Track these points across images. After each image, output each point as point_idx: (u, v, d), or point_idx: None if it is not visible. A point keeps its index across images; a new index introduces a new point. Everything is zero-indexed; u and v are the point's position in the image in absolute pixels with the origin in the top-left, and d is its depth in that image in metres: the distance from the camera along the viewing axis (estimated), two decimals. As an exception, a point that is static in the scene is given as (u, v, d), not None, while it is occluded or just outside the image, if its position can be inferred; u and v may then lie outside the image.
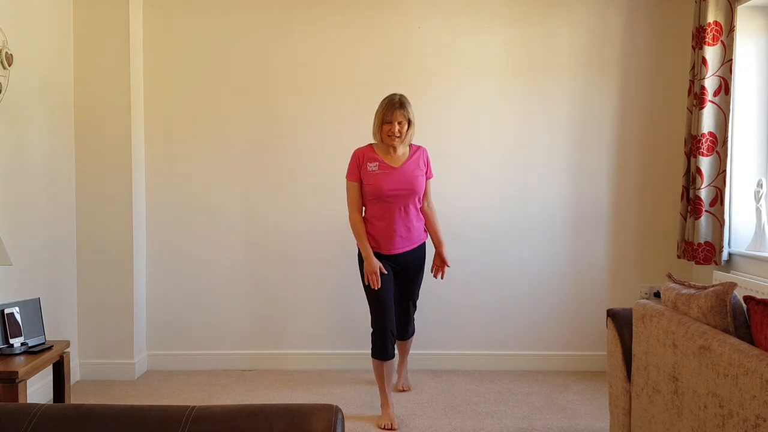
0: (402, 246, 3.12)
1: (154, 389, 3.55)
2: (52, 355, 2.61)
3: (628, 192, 3.92)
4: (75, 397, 3.37)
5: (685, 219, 3.61)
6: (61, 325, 3.50)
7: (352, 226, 3.12)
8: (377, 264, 3.04)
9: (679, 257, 3.71)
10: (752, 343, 1.70)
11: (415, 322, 3.41)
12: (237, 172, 3.89)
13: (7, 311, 2.55)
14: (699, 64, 3.45)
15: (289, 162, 3.88)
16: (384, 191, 3.02)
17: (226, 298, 3.91)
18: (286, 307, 3.93)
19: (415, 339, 3.50)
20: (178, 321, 3.92)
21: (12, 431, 1.17)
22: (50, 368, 2.75)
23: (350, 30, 3.84)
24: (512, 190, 3.90)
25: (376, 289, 3.04)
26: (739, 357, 1.58)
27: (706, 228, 3.43)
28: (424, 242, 3.24)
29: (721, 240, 3.39)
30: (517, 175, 3.90)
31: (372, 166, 3.04)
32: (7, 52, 2.92)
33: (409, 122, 3.03)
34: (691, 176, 3.55)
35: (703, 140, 3.42)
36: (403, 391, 3.50)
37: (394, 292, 3.18)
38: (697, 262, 3.48)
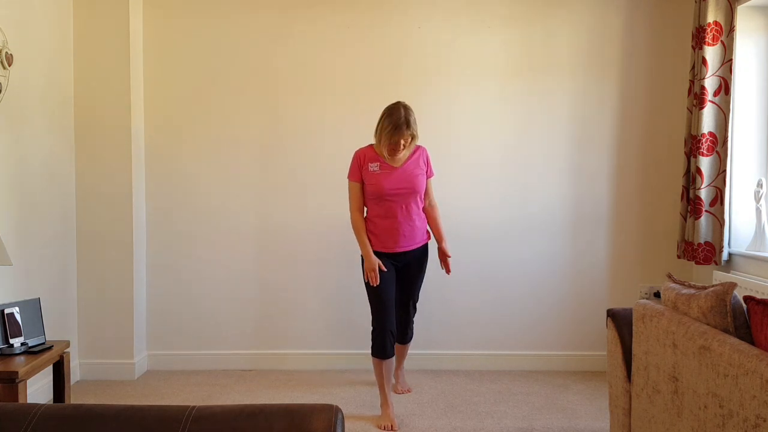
0: (404, 245, 3.14)
1: (154, 389, 3.55)
2: (52, 355, 2.60)
3: (628, 192, 3.92)
4: (75, 397, 3.37)
5: (685, 219, 3.61)
6: (61, 325, 3.50)
7: (353, 225, 3.14)
8: (376, 261, 3.07)
9: (679, 257, 3.71)
10: (752, 343, 1.70)
11: (414, 326, 3.42)
12: (237, 172, 3.89)
13: (7, 311, 2.55)
14: (699, 64, 3.45)
15: (289, 162, 3.89)
16: (385, 191, 3.04)
17: (226, 298, 3.91)
18: (286, 307, 3.93)
19: (415, 339, 3.50)
20: (178, 321, 3.92)
21: (12, 431, 1.17)
22: (50, 368, 2.75)
23: (350, 30, 3.84)
24: (512, 190, 3.90)
25: (376, 286, 3.06)
26: (739, 357, 1.58)
27: (706, 228, 3.43)
28: (427, 243, 3.26)
29: (721, 240, 3.40)
30: (517, 175, 3.90)
31: (373, 166, 3.05)
32: (7, 52, 2.92)
33: (413, 137, 3.00)
34: (691, 176, 3.55)
35: (703, 140, 3.42)
36: (404, 393, 3.50)
37: (396, 292, 3.20)
38: (697, 262, 3.48)
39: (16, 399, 2.30)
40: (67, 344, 2.74)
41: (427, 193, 3.21)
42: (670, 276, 2.30)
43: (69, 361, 2.75)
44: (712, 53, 3.39)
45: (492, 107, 3.88)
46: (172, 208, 3.89)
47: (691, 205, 3.55)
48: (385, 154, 3.02)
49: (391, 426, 2.99)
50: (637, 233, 3.93)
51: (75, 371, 3.65)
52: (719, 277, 3.42)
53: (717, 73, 3.39)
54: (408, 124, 2.93)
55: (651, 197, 3.92)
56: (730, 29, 3.35)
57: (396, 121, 2.92)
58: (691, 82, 3.59)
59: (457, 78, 3.86)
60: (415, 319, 3.41)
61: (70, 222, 3.62)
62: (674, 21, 3.84)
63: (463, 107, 3.87)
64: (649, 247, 3.93)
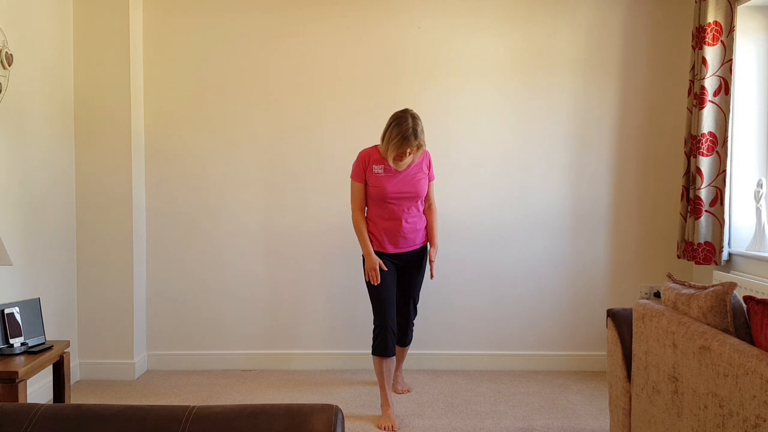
0: (404, 246, 3.16)
1: (154, 389, 3.55)
2: (52, 355, 2.60)
3: (628, 192, 3.92)
4: (75, 397, 3.37)
5: (685, 219, 3.61)
6: (61, 325, 3.50)
7: (354, 225, 3.16)
8: (377, 260, 3.09)
9: (679, 257, 3.71)
10: (752, 343, 1.70)
11: (414, 329, 3.42)
12: (237, 172, 3.89)
13: (7, 311, 2.55)
14: (699, 64, 3.45)
15: (289, 161, 3.88)
16: (388, 194, 3.05)
17: (226, 299, 3.91)
18: (286, 308, 3.93)
19: (415, 338, 3.50)
20: (178, 321, 3.92)
21: (12, 431, 1.17)
22: (50, 368, 2.75)
23: (350, 29, 3.84)
24: (512, 189, 3.90)
25: (377, 285, 3.08)
26: (739, 357, 1.58)
27: (706, 228, 3.43)
28: (426, 244, 3.27)
29: (721, 240, 3.39)
30: (517, 175, 3.90)
31: (377, 169, 3.06)
32: (7, 52, 2.92)
33: (419, 146, 2.98)
34: (691, 176, 3.55)
35: (703, 140, 3.42)
36: (404, 393, 3.50)
37: (397, 292, 3.21)
38: (697, 262, 3.48)
39: (16, 399, 2.30)
40: (67, 344, 2.74)
41: (428, 196, 3.22)
42: (670, 276, 2.30)
43: (69, 361, 2.75)
44: (712, 53, 3.39)
45: (492, 107, 3.88)
46: (172, 208, 3.89)
47: (691, 205, 3.55)
48: (390, 161, 3.01)
49: (392, 426, 2.99)
50: (637, 233, 3.93)
51: (75, 371, 3.65)
52: (719, 277, 3.42)
53: (717, 73, 3.39)
54: (416, 134, 2.92)
55: (651, 197, 3.92)
56: (730, 29, 3.35)
57: (404, 132, 2.90)
58: (691, 82, 3.59)
59: (456, 78, 3.86)
60: (415, 320, 3.41)
61: (70, 222, 3.62)
62: (674, 21, 3.84)
63: (463, 107, 3.87)
64: (649, 247, 3.93)
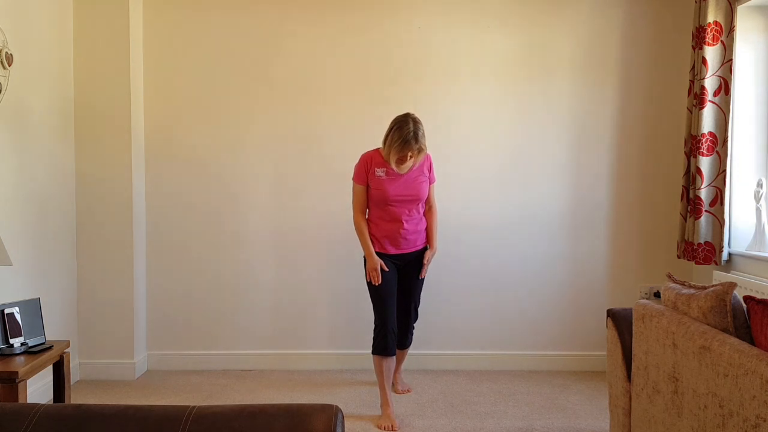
0: (405, 247, 3.19)
1: (154, 389, 3.55)
2: (52, 355, 2.60)
3: (628, 192, 3.92)
4: (75, 397, 3.37)
5: (685, 219, 3.61)
6: (61, 325, 3.50)
7: (355, 226, 3.18)
8: (378, 261, 3.12)
9: (679, 257, 3.71)
10: (752, 343, 1.70)
11: (414, 332, 3.43)
12: (237, 172, 3.88)
13: (7, 311, 2.55)
14: (699, 64, 3.45)
15: (289, 161, 3.88)
16: (390, 196, 3.08)
17: (226, 299, 3.91)
18: (286, 308, 3.93)
19: (415, 338, 3.50)
20: (178, 321, 3.92)
21: (12, 431, 1.17)
22: (50, 368, 2.75)
23: (350, 30, 3.84)
24: (512, 189, 3.90)
25: (378, 285, 3.11)
26: (739, 357, 1.58)
27: (706, 228, 3.43)
28: (427, 246, 3.29)
29: (721, 240, 3.39)
30: (518, 175, 3.90)
31: (380, 172, 3.09)
32: (7, 52, 2.92)
33: (420, 150, 3.00)
34: (691, 176, 3.55)
35: (703, 140, 3.42)
36: (404, 393, 3.50)
37: (398, 294, 3.23)
38: (697, 262, 3.48)
39: (16, 399, 2.30)
40: (67, 344, 2.74)
41: (428, 197, 3.24)
42: (670, 276, 2.30)
43: (69, 361, 2.75)
44: (712, 53, 3.39)
45: (492, 107, 3.88)
46: (172, 208, 3.89)
47: (691, 205, 3.55)
48: (393, 165, 3.04)
49: (392, 426, 3.00)
50: (637, 233, 3.93)
51: (75, 371, 3.65)
52: (719, 277, 3.42)
53: (717, 73, 3.39)
54: (416, 138, 2.95)
55: (651, 197, 3.92)
56: (730, 29, 3.35)
57: (405, 136, 2.94)
58: (691, 82, 3.59)
59: (457, 78, 3.86)
60: (415, 323, 3.42)
61: (70, 222, 3.62)
62: (674, 21, 3.84)
63: (463, 108, 3.87)
64: (649, 247, 3.93)
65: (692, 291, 2.01)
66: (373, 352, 3.14)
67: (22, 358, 2.48)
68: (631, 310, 2.40)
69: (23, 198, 3.14)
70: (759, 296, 2.66)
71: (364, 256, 3.17)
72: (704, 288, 1.96)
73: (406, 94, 3.83)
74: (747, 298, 1.77)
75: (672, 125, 3.87)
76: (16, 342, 2.56)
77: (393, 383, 3.48)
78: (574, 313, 3.94)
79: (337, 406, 1.23)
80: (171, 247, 3.90)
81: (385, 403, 3.12)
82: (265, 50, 3.85)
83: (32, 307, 2.69)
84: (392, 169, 3.08)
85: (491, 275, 3.92)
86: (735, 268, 3.42)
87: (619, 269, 3.94)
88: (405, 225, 3.13)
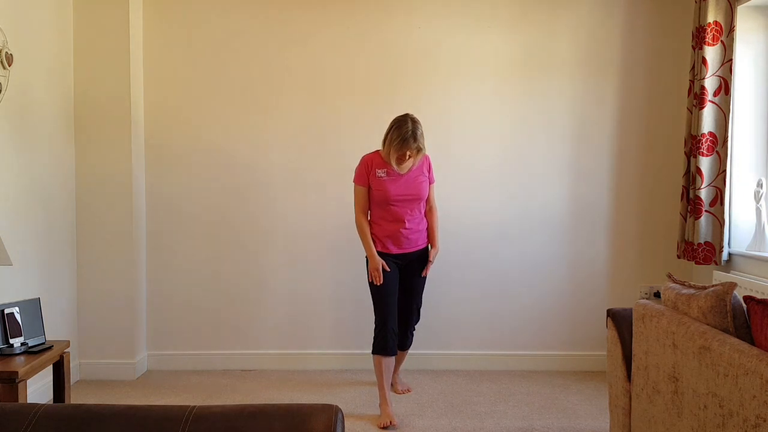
0: (407, 247, 3.22)
1: (154, 389, 3.55)
2: (52, 355, 2.60)
3: (628, 192, 3.92)
4: (75, 397, 3.37)
5: (685, 219, 3.61)
6: (61, 325, 3.50)
7: (357, 227, 3.21)
8: (380, 261, 3.15)
9: (679, 257, 3.71)
10: (752, 343, 1.70)
11: (414, 334, 3.43)
12: (236, 172, 3.88)
13: (7, 311, 2.55)
14: (699, 64, 3.45)
15: (289, 161, 3.88)
16: (392, 196, 3.12)
17: (227, 299, 3.91)
18: (286, 308, 3.93)
19: (415, 338, 3.50)
20: (178, 321, 3.91)
21: (12, 431, 1.17)
22: (50, 368, 2.75)
23: (349, 30, 3.84)
24: (512, 190, 3.90)
25: (380, 285, 3.14)
26: (739, 357, 1.58)
27: (706, 228, 3.43)
28: (428, 246, 3.33)
29: (721, 240, 3.39)
30: (517, 176, 3.90)
31: (381, 173, 3.14)
32: (7, 52, 2.92)
33: (419, 149, 3.06)
34: (691, 176, 3.55)
35: (703, 140, 3.42)
36: (404, 393, 3.50)
37: (399, 294, 3.25)
38: (697, 262, 3.48)
39: (16, 399, 2.30)
40: (67, 344, 2.74)
41: (428, 198, 3.28)
42: (670, 276, 2.30)
43: (69, 361, 2.75)
44: (712, 53, 3.39)
45: (492, 107, 3.88)
46: (172, 208, 3.89)
47: (691, 205, 3.55)
48: (393, 163, 3.10)
49: (391, 421, 3.01)
50: (637, 233, 3.93)
51: (75, 371, 3.65)
52: (719, 277, 3.42)
53: (717, 73, 3.39)
54: (415, 137, 3.02)
55: (651, 197, 3.92)
56: (730, 29, 3.35)
57: (404, 134, 3.01)
58: (691, 82, 3.59)
59: (456, 78, 3.86)
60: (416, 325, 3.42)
61: (70, 222, 3.62)
62: (674, 21, 3.84)
63: (463, 107, 3.87)
64: (649, 247, 3.93)
65: (692, 291, 2.01)
66: (374, 352, 3.15)
67: (22, 358, 2.48)
68: (631, 310, 2.40)
69: (23, 198, 3.14)
70: (759, 296, 2.66)
71: (366, 257, 3.20)
72: (704, 288, 1.96)
73: (404, 93, 3.83)
74: (747, 298, 1.77)
75: (672, 125, 3.87)
76: (16, 342, 2.56)
77: (392, 384, 3.48)
78: (574, 313, 3.94)
79: (337, 406, 1.23)
80: (171, 247, 3.90)
81: (384, 402, 3.13)
82: (264, 49, 3.85)
83: (32, 307, 2.69)
84: (393, 170, 3.13)
85: (491, 275, 3.92)
86: (735, 268, 3.42)
87: (619, 269, 3.94)
88: (407, 224, 3.17)
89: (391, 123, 3.10)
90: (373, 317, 3.23)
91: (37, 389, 3.22)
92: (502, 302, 3.94)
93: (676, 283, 2.18)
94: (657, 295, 3.87)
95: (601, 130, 3.90)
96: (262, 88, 3.86)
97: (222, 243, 3.90)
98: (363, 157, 3.21)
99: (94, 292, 3.69)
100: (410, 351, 3.59)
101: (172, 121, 3.87)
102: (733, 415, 1.58)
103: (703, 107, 3.41)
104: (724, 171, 3.39)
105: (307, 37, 3.85)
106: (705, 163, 3.43)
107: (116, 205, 3.67)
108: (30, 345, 2.60)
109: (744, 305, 1.80)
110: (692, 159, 3.53)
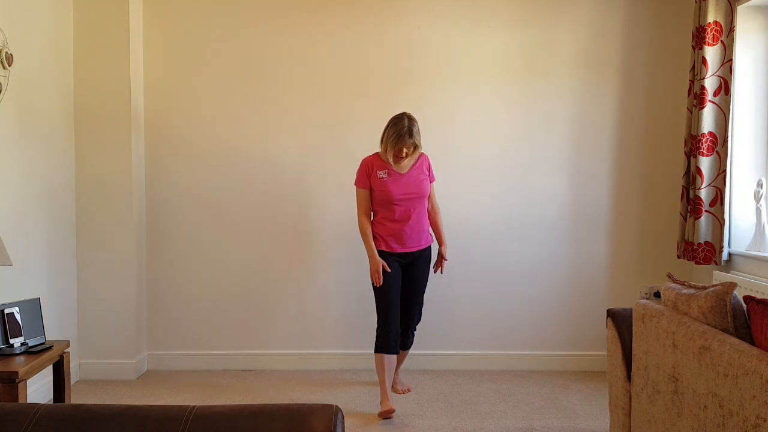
0: (411, 245, 3.25)
1: (154, 389, 3.55)
2: (52, 355, 2.60)
3: (628, 192, 3.92)
4: (75, 397, 3.37)
5: (685, 219, 3.61)
6: (61, 325, 3.50)
7: (360, 229, 3.25)
8: (381, 262, 3.18)
9: (679, 257, 3.71)
10: (752, 343, 1.70)
11: (415, 334, 3.44)
12: (237, 172, 3.88)
13: (7, 311, 2.55)
14: (699, 64, 3.45)
15: (290, 161, 3.88)
16: (394, 196, 3.16)
17: (226, 298, 3.91)
18: (286, 308, 3.92)
19: (416, 338, 3.50)
20: (178, 321, 3.91)
21: (12, 431, 1.17)
22: (50, 368, 2.75)
23: (349, 30, 3.84)
24: (512, 190, 3.90)
25: (381, 286, 3.17)
26: (739, 357, 1.58)
27: (706, 228, 3.43)
28: (431, 245, 3.36)
29: (721, 240, 3.39)
30: (517, 176, 3.90)
31: (381, 174, 3.19)
32: (7, 52, 2.92)
33: (415, 146, 3.14)
34: (691, 176, 3.55)
35: (703, 140, 3.42)
36: (404, 392, 3.50)
37: (401, 294, 3.27)
38: (697, 262, 3.48)
39: (16, 399, 2.30)
40: (67, 344, 2.74)
41: (429, 196, 3.31)
42: (670, 276, 2.30)
43: (69, 361, 2.75)
44: (712, 53, 3.39)
45: (492, 108, 3.88)
46: (172, 209, 3.89)
47: (691, 205, 3.55)
48: (390, 160, 3.15)
49: (389, 409, 3.07)
50: (637, 233, 3.93)
51: (75, 371, 3.65)
52: (719, 277, 3.42)
53: (717, 73, 3.39)
54: (411, 133, 3.09)
55: (651, 197, 3.92)
56: (730, 29, 3.35)
57: (400, 131, 3.08)
58: (691, 82, 3.59)
59: (456, 78, 3.86)
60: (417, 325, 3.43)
61: (70, 222, 3.62)
62: (674, 21, 3.84)
63: (463, 107, 3.87)
64: (649, 247, 3.93)
65: (692, 291, 2.01)
66: (376, 351, 3.19)
67: (22, 358, 2.48)
68: (631, 310, 2.40)
69: (23, 198, 3.14)
70: (759, 296, 2.66)
71: (369, 257, 3.23)
72: (704, 288, 1.96)
73: (405, 93, 3.83)
74: (747, 298, 1.77)
75: (672, 125, 3.87)
76: (16, 342, 2.56)
77: (392, 384, 3.48)
78: (574, 313, 3.94)
79: (337, 406, 1.23)
80: (171, 247, 3.90)
81: (384, 398, 3.16)
82: (265, 49, 3.85)
83: (32, 307, 2.69)
84: (393, 170, 3.18)
85: (491, 275, 3.92)
86: (735, 268, 3.42)
87: (619, 269, 3.94)
88: (410, 223, 3.21)
89: (388, 121, 3.17)
90: (374, 317, 3.23)
91: (37, 389, 3.22)
92: (502, 302, 3.93)
93: (676, 283, 2.18)
94: (657, 295, 3.87)
95: (601, 130, 3.90)
96: (262, 88, 3.86)
97: (222, 243, 3.90)
98: (363, 160, 3.25)
99: (94, 292, 3.69)
100: (410, 351, 3.59)
101: (172, 121, 3.87)
102: (733, 415, 1.58)
103: (703, 107, 3.41)
104: (724, 171, 3.39)
105: (307, 37, 3.85)
106: (705, 163, 3.43)
107: (116, 205, 3.67)
108: (30, 345, 2.60)
109: (744, 305, 1.80)
110: (692, 159, 3.53)
